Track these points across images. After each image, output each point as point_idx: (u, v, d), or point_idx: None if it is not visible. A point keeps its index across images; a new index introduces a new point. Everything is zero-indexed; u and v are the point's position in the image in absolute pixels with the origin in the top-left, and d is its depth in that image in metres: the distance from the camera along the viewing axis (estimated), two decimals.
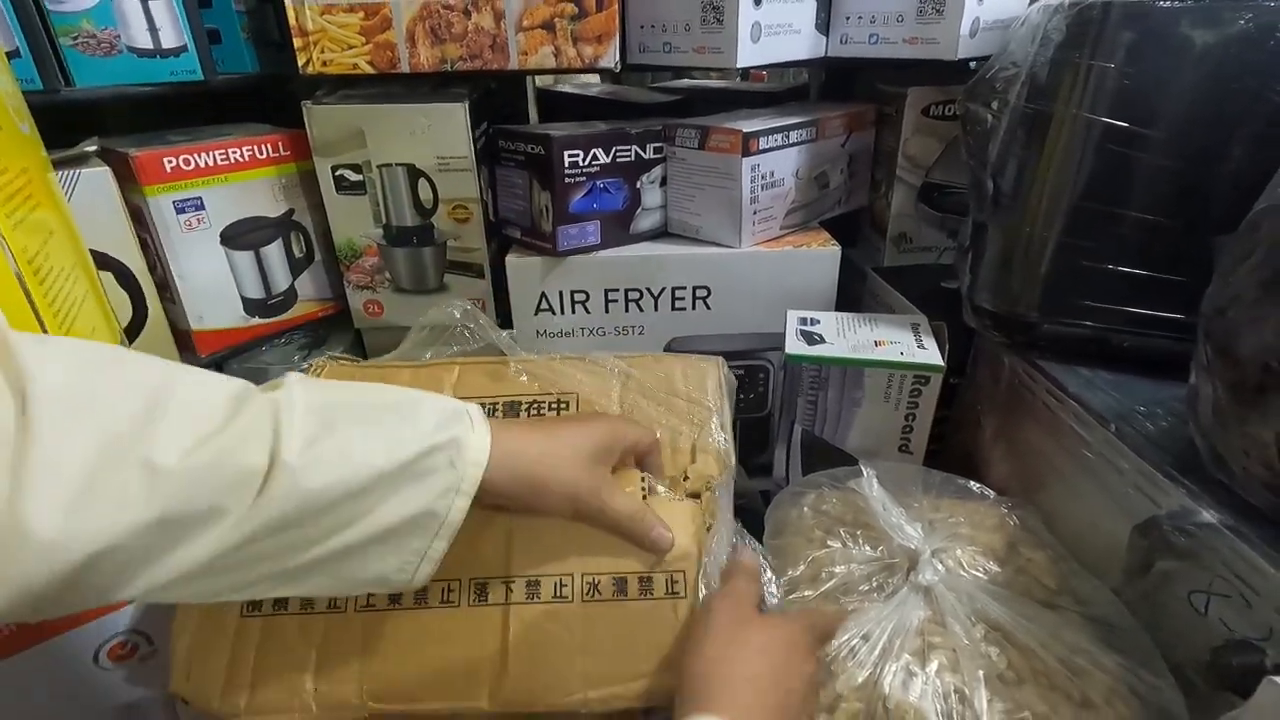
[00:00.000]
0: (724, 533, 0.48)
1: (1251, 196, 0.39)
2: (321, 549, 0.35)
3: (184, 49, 0.65)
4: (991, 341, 0.60)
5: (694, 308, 0.71)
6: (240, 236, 0.70)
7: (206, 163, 0.66)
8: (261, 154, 0.69)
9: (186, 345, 0.69)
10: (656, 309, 0.71)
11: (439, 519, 0.37)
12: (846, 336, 0.62)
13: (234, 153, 0.67)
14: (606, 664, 0.44)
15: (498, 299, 0.74)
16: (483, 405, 0.53)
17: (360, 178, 0.69)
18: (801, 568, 0.49)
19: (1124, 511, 0.45)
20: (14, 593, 0.28)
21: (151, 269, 0.65)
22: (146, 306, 0.65)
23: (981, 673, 0.40)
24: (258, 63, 0.72)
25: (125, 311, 0.64)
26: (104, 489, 0.29)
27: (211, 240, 0.68)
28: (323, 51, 0.64)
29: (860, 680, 0.41)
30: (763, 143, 0.66)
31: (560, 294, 0.71)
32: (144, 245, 0.65)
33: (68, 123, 0.61)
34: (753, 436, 0.75)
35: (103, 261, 0.60)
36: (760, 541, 0.52)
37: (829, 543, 0.50)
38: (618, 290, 0.71)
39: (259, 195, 0.70)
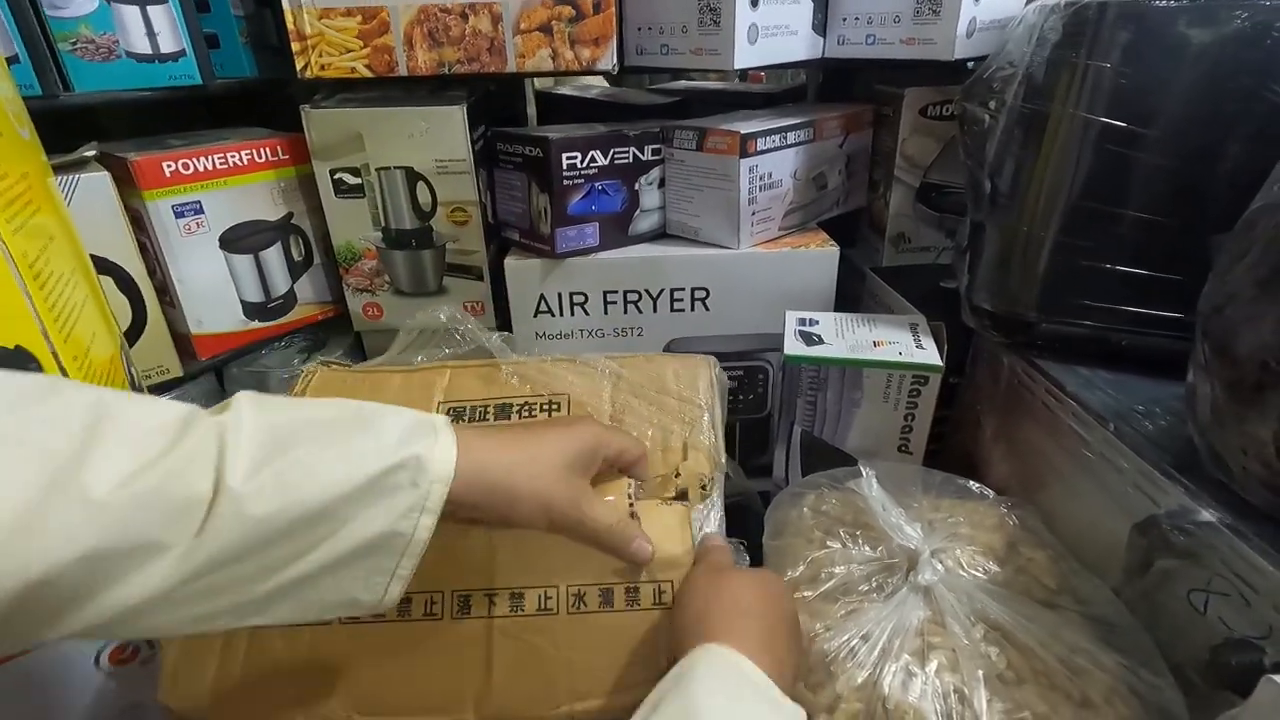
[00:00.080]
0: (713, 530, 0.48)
1: (1248, 195, 0.39)
2: (281, 577, 0.33)
3: (182, 54, 0.66)
4: (990, 341, 0.60)
5: (693, 309, 0.71)
6: (239, 240, 0.70)
7: (205, 167, 0.66)
8: (260, 158, 0.69)
9: (186, 349, 0.70)
10: (655, 310, 0.72)
11: (405, 538, 0.35)
12: (845, 337, 0.62)
13: (233, 157, 0.67)
14: (594, 676, 0.44)
15: (497, 301, 0.74)
16: (474, 408, 0.53)
17: (359, 181, 0.69)
18: (801, 568, 0.49)
19: (1123, 510, 0.45)
20: None
21: (151, 273, 0.65)
22: (146, 311, 0.65)
23: (981, 673, 0.40)
24: (256, 67, 0.73)
25: (125, 316, 0.64)
26: (38, 523, 0.28)
27: (211, 244, 0.68)
28: (321, 55, 0.64)
29: (860, 680, 0.41)
30: (760, 144, 0.66)
31: (559, 296, 0.71)
32: (143, 249, 0.65)
33: (67, 128, 0.61)
34: (752, 437, 0.75)
35: (102, 266, 0.60)
36: (760, 542, 0.53)
37: (829, 543, 0.50)
38: (616, 292, 0.71)
39: (258, 199, 0.70)
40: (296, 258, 0.75)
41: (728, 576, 0.43)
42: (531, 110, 0.98)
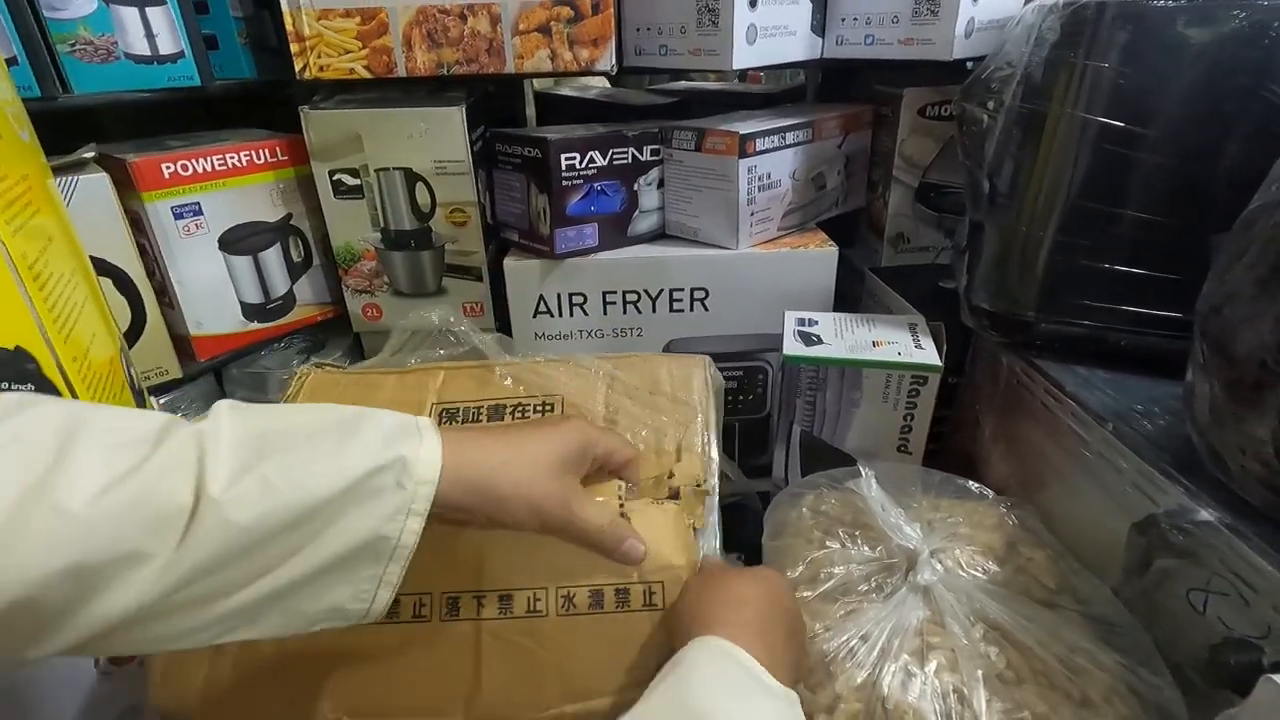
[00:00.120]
0: (708, 534, 0.47)
1: (1246, 194, 0.39)
2: (266, 585, 0.32)
3: (181, 55, 0.66)
4: (989, 341, 0.60)
5: (692, 309, 0.71)
6: (238, 241, 0.70)
7: (204, 168, 0.66)
8: (259, 159, 0.69)
9: (185, 351, 0.70)
10: (655, 311, 0.72)
11: (391, 542, 0.34)
12: (844, 337, 0.62)
13: (232, 158, 0.67)
14: (584, 678, 0.43)
15: (496, 302, 0.74)
16: (468, 409, 0.53)
17: (358, 182, 0.69)
18: (800, 568, 0.49)
19: (1122, 510, 0.45)
20: None
21: (150, 274, 0.65)
22: (145, 312, 0.65)
23: (980, 672, 0.40)
24: (255, 68, 0.72)
25: (124, 317, 0.64)
26: (14, 539, 0.28)
27: (210, 245, 0.68)
28: (320, 56, 0.64)
29: (859, 681, 0.41)
30: (759, 144, 0.66)
31: (559, 296, 0.71)
32: (142, 251, 0.65)
33: (66, 129, 0.61)
34: (752, 437, 0.75)
35: (101, 267, 0.60)
36: (760, 543, 0.53)
37: (828, 543, 0.50)
38: (616, 292, 0.71)
39: (257, 200, 0.70)
40: (296, 259, 0.75)
41: (727, 574, 0.44)
42: (530, 111, 0.99)
